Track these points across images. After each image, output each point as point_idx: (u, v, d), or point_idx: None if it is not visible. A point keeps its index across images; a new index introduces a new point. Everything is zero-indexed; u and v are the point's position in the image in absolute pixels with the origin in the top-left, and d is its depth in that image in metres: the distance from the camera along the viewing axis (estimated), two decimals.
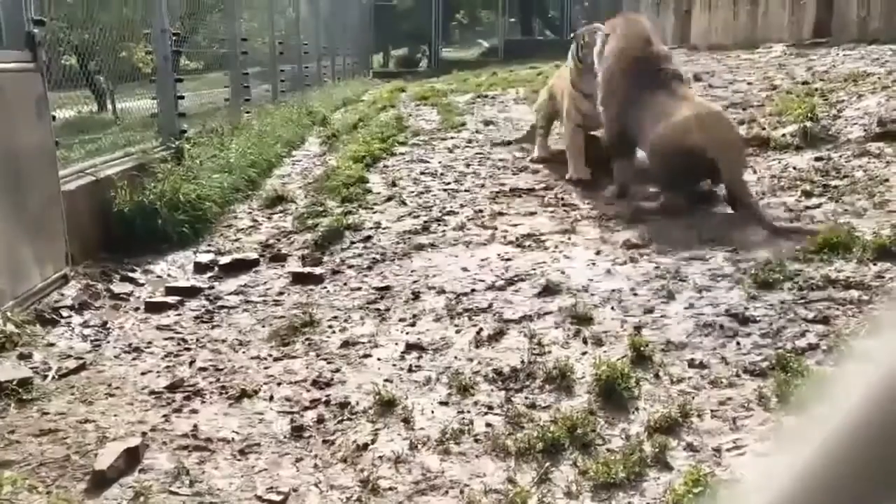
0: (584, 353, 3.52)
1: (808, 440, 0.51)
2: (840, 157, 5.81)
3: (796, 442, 0.52)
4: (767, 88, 8.63)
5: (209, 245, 5.73)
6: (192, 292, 4.76)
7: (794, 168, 5.81)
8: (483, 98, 11.54)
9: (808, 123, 6.44)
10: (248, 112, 9.76)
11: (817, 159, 5.89)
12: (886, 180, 5.16)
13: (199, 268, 5.24)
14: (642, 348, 3.41)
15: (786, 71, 9.47)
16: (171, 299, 4.63)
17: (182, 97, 7.21)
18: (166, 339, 4.12)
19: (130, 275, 5.05)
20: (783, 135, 6.56)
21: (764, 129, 6.92)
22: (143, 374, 3.67)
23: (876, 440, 0.48)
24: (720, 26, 14.90)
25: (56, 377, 3.59)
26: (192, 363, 3.77)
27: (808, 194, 5.24)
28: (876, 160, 5.59)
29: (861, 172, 5.44)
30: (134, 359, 3.86)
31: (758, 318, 3.63)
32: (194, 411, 3.29)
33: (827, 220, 4.66)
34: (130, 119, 7.20)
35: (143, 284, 4.97)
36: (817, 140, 6.22)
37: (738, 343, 3.45)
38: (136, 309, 4.56)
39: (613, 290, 4.19)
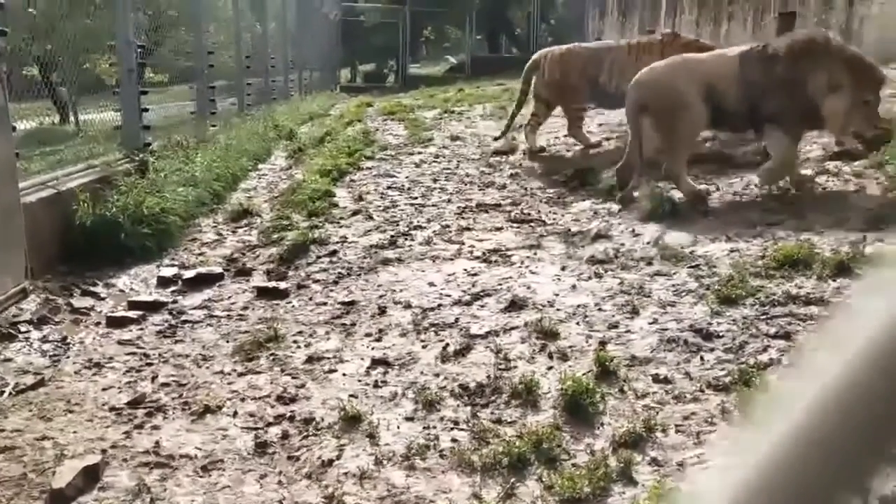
0: (549, 368, 3.53)
1: (755, 449, 0.54)
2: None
3: (743, 450, 0.55)
4: None
5: (173, 259, 5.66)
6: (154, 307, 4.69)
7: (755, 186, 5.90)
8: (450, 114, 11.59)
9: None
10: (214, 125, 9.69)
11: None
12: (844, 198, 5.27)
13: (163, 282, 5.17)
14: (607, 363, 3.43)
15: None
16: (133, 314, 4.56)
17: (147, 110, 7.15)
18: (128, 354, 4.05)
19: (92, 289, 4.97)
20: (744, 153, 6.68)
21: (724, 147, 7.03)
22: (103, 389, 3.61)
23: (816, 448, 0.51)
24: None
25: (13, 393, 3.52)
26: (154, 378, 3.72)
27: (769, 211, 5.32)
28: (835, 178, 5.71)
29: (821, 190, 5.55)
30: (94, 374, 3.79)
31: (721, 334, 3.67)
32: (156, 427, 3.24)
33: (788, 237, 4.74)
34: (93, 131, 7.11)
35: (104, 298, 4.89)
36: None
37: (701, 358, 3.48)
38: (98, 323, 4.48)
39: (579, 306, 4.21)
